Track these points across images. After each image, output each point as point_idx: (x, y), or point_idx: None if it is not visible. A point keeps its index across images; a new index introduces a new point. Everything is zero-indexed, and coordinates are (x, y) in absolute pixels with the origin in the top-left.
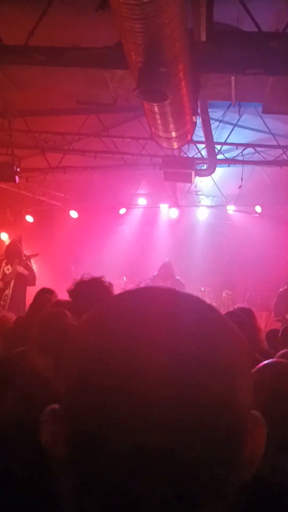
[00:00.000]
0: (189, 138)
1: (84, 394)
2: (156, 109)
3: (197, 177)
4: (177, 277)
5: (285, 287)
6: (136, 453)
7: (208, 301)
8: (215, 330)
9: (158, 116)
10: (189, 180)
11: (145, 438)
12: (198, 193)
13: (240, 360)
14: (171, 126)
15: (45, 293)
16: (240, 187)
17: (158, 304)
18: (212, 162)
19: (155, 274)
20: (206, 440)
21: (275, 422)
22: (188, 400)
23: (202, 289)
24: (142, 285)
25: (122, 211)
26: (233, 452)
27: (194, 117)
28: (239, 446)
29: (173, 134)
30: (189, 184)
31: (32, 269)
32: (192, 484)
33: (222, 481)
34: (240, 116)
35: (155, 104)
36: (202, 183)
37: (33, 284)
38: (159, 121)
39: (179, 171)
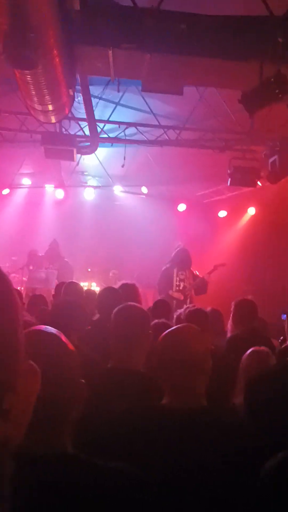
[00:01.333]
0: (66, 112)
1: None
2: (29, 78)
3: (83, 157)
4: (65, 259)
5: (168, 265)
6: None
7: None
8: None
9: (32, 87)
10: (71, 158)
11: None
12: (85, 173)
13: None
14: (47, 98)
15: None
16: (123, 166)
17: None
18: (94, 140)
19: (41, 255)
20: None
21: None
22: None
23: (89, 269)
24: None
25: (5, 191)
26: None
27: (70, 90)
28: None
29: (50, 107)
30: (75, 164)
31: None
32: None
33: None
34: (122, 94)
35: (27, 74)
36: (88, 164)
37: None
38: (33, 92)
39: (60, 148)
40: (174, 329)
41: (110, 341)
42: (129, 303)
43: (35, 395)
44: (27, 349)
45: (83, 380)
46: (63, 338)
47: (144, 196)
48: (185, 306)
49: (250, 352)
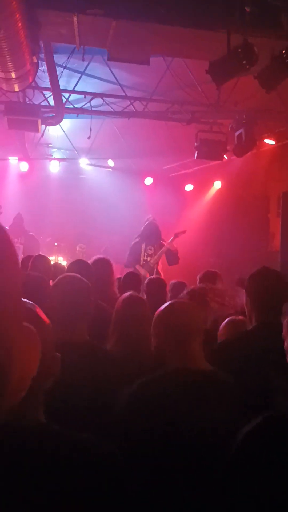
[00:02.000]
0: (30, 80)
1: None
2: None
3: (47, 129)
4: (31, 233)
5: (137, 239)
6: None
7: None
8: None
9: None
10: (35, 129)
11: None
12: (49, 145)
13: None
14: (9, 65)
15: None
16: (89, 137)
17: None
18: (60, 111)
19: (7, 228)
20: None
21: None
22: None
23: (56, 243)
24: None
25: None
26: None
27: (34, 57)
28: None
29: (13, 75)
30: (39, 136)
31: None
32: None
33: None
34: (88, 64)
35: None
36: (53, 135)
37: None
38: None
39: (24, 118)
40: (171, 302)
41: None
42: (69, 273)
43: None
44: None
45: (58, 354)
46: (38, 310)
47: (110, 170)
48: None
49: (227, 321)
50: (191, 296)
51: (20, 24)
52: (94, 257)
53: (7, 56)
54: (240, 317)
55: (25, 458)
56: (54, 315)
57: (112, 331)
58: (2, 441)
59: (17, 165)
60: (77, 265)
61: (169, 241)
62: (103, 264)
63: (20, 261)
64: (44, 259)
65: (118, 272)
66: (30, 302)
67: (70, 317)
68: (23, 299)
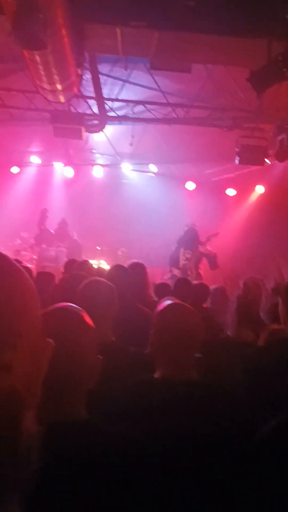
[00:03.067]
0: (75, 91)
1: None
2: (37, 58)
3: (91, 135)
4: (74, 237)
5: (177, 245)
6: None
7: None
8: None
9: (40, 67)
10: (79, 136)
11: None
12: (93, 151)
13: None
14: (55, 77)
15: None
16: (131, 144)
17: None
18: (103, 118)
19: (52, 231)
20: None
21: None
22: None
23: (98, 248)
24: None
25: (15, 170)
26: None
27: (79, 69)
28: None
29: (58, 86)
30: (83, 142)
31: None
32: None
33: None
34: (131, 72)
35: (36, 53)
36: (96, 141)
37: None
38: (42, 72)
39: (69, 126)
40: (169, 305)
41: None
42: (95, 278)
43: (45, 360)
44: (50, 325)
45: (100, 357)
46: (85, 316)
47: (153, 175)
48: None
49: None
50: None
51: (66, 39)
52: (130, 261)
53: (53, 69)
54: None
55: (73, 454)
56: None
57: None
58: (53, 438)
59: (62, 170)
60: (116, 269)
61: (203, 243)
62: (139, 268)
63: (63, 264)
64: (89, 264)
65: (159, 276)
66: (77, 307)
67: (92, 319)
68: (71, 304)
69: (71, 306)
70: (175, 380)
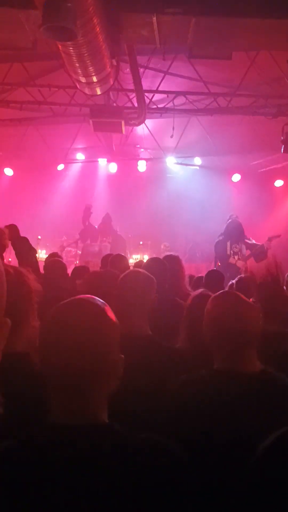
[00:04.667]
0: (111, 82)
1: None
2: (71, 50)
3: (134, 130)
4: (118, 232)
5: (221, 238)
6: None
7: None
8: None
9: (75, 59)
10: (119, 130)
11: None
12: (137, 146)
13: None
14: (90, 69)
15: None
16: (172, 136)
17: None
18: (142, 111)
19: (96, 227)
20: None
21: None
22: None
23: (141, 242)
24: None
25: (60, 167)
26: None
27: (114, 60)
28: None
29: (94, 78)
30: (126, 137)
31: None
32: None
33: None
34: (171, 63)
35: (70, 45)
36: (140, 135)
37: None
38: (77, 64)
39: (108, 120)
40: (221, 297)
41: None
42: (133, 269)
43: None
44: (67, 316)
45: (122, 355)
46: (108, 310)
47: (197, 167)
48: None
49: None
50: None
51: (98, 29)
52: (164, 254)
53: (88, 61)
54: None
55: (90, 459)
56: (115, 309)
57: (183, 328)
58: (70, 442)
59: (106, 166)
60: (153, 261)
61: (267, 240)
62: (174, 261)
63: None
64: (123, 259)
65: (204, 270)
66: (100, 301)
67: (129, 310)
68: (94, 296)
69: (93, 298)
70: (238, 372)
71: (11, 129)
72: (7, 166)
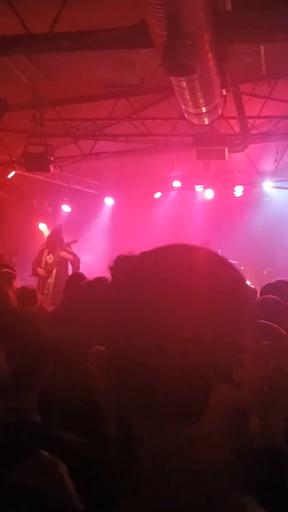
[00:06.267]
0: (219, 112)
1: (123, 343)
2: (184, 84)
3: (230, 155)
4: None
5: None
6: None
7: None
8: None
9: (187, 92)
10: (222, 157)
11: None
12: (234, 171)
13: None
14: (201, 101)
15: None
16: (275, 161)
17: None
18: (245, 137)
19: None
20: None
21: None
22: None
23: (242, 268)
24: None
25: (157, 195)
26: None
27: (223, 90)
28: None
29: (203, 109)
30: (223, 163)
31: (75, 254)
32: None
33: None
34: (273, 87)
35: (183, 80)
36: (236, 161)
37: (78, 269)
38: (188, 96)
39: (212, 148)
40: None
41: None
42: (268, 296)
43: (264, 372)
44: None
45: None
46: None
47: None
48: None
49: None
50: None
51: (211, 63)
52: (267, 280)
53: (199, 93)
54: None
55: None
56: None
57: None
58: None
59: (203, 192)
60: (272, 286)
61: None
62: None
63: None
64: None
65: None
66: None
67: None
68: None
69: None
70: None
71: (112, 160)
72: (108, 196)
